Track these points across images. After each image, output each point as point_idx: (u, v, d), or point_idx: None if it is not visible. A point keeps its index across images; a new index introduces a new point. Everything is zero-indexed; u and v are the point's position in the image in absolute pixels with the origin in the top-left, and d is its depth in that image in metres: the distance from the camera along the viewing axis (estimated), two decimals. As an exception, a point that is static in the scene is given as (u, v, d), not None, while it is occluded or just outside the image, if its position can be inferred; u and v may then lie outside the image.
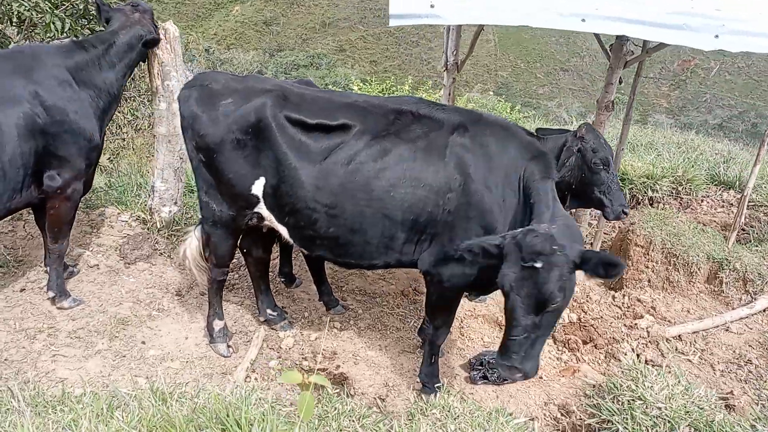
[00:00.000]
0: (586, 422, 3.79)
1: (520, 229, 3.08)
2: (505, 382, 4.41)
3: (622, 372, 4.01)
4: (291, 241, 4.09)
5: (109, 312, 4.76)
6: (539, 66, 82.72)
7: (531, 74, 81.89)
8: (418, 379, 4.32)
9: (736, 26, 3.69)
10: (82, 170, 4.44)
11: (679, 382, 3.76)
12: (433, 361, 4.22)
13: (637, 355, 4.81)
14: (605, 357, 4.86)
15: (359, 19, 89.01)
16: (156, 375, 4.21)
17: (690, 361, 4.80)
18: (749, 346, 5.02)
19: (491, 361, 4.46)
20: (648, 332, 4.99)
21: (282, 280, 5.48)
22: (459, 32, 5.43)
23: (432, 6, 3.73)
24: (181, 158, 5.53)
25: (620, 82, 5.73)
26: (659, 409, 3.44)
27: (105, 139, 4.73)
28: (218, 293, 4.55)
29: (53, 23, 5.58)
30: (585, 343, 4.91)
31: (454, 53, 5.56)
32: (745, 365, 4.75)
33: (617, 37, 5.42)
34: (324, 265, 5.19)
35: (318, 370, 4.52)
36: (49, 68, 4.22)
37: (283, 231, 4.05)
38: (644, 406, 3.52)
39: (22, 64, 4.14)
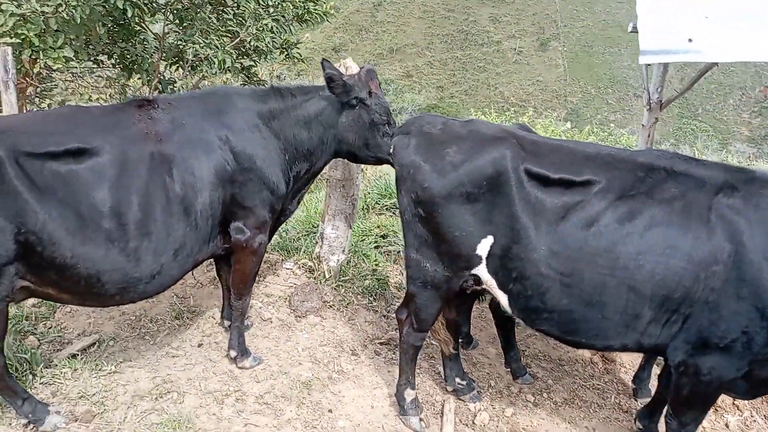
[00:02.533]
0: None
1: None
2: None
3: None
4: (509, 310, 3.64)
5: (291, 373, 4.43)
6: (611, 92, 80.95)
7: (602, 100, 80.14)
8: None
9: None
10: (267, 222, 4.13)
11: None
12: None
13: None
14: None
15: (426, 45, 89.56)
16: (354, 453, 3.85)
17: None
18: None
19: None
20: None
21: (461, 341, 5.04)
22: (666, 68, 4.93)
23: (690, 40, 3.24)
24: (353, 204, 5.21)
25: None
26: None
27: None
28: (413, 360, 4.15)
29: (223, 60, 5.42)
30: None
31: (659, 90, 5.06)
32: None
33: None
34: (515, 329, 4.73)
35: (524, 453, 4.05)
36: (240, 112, 3.94)
37: (503, 299, 3.60)
38: None
39: (213, 106, 3.88)
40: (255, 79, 6.62)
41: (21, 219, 2.96)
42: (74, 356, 4.29)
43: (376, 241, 6.17)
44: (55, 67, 4.76)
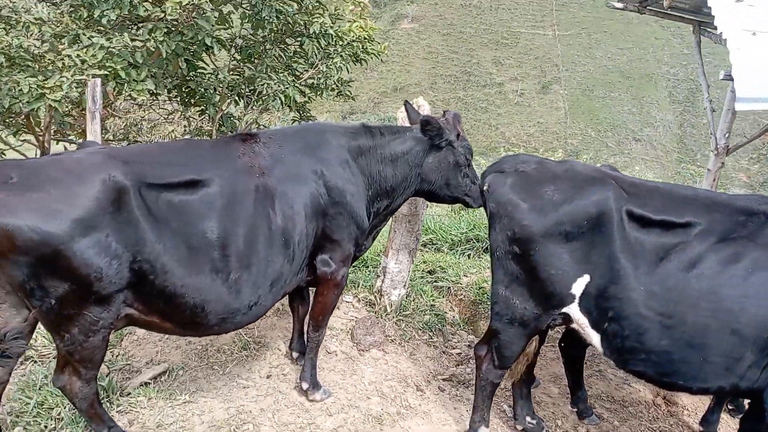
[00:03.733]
0: None
1: None
2: None
3: None
4: (601, 350, 3.65)
5: (361, 408, 4.40)
6: (610, 135, 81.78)
7: (602, 143, 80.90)
8: None
9: None
10: (350, 255, 4.18)
11: None
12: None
13: None
14: None
15: (429, 85, 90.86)
16: (431, 489, 3.81)
17: None
18: None
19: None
20: None
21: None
22: (734, 114, 5.06)
23: None
24: (416, 239, 5.26)
25: None
26: None
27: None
28: (490, 397, 4.14)
29: (293, 97, 5.55)
30: None
31: (726, 136, 5.17)
32: None
33: None
34: (583, 368, 4.73)
35: (600, 495, 4.01)
36: (333, 147, 4.03)
37: (595, 338, 3.62)
38: None
39: (309, 141, 3.97)
40: (308, 114, 6.74)
41: (138, 248, 3.00)
42: (146, 384, 4.28)
43: (422, 276, 6.19)
44: (138, 100, 4.86)
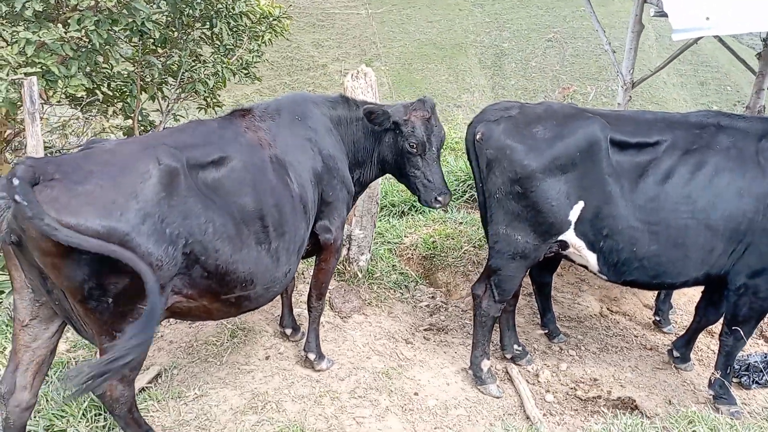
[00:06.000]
0: None
1: None
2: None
3: None
4: (597, 268, 4.10)
5: (366, 367, 4.51)
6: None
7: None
8: (710, 392, 4.39)
9: None
10: (344, 220, 4.24)
11: None
12: (728, 372, 4.30)
13: None
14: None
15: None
16: (459, 426, 4.07)
17: None
18: None
19: (755, 363, 4.67)
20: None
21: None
22: (636, 51, 5.77)
23: (707, 18, 3.95)
24: (377, 203, 5.37)
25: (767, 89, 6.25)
26: None
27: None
28: (490, 331, 4.45)
29: (228, 77, 5.34)
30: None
31: (631, 72, 5.88)
32: None
33: (765, 44, 6.00)
34: (551, 293, 5.21)
35: (593, 398, 4.53)
36: (318, 116, 4.04)
37: (591, 258, 4.06)
38: None
39: (297, 112, 3.94)
40: (216, 100, 6.45)
41: (191, 230, 2.86)
42: (144, 390, 4.00)
43: (375, 240, 6.32)
44: (78, 95, 4.33)
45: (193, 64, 5.28)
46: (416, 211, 7.12)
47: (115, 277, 2.60)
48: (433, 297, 5.70)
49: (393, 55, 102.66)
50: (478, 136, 4.04)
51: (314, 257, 4.26)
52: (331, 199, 3.98)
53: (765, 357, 4.73)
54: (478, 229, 6.31)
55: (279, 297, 4.65)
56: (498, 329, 4.83)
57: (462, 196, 7.44)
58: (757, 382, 4.59)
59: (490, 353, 4.61)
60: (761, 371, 4.62)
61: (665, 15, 4.01)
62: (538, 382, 4.69)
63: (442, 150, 4.43)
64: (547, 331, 5.23)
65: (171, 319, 4.50)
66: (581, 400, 4.51)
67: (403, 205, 7.35)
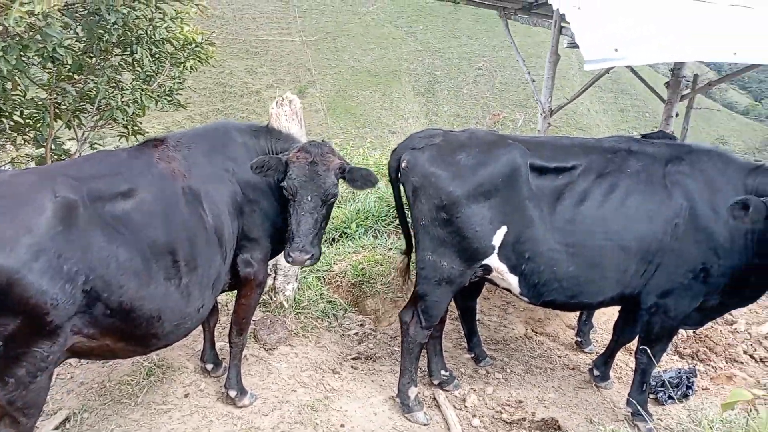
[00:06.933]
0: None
1: None
2: (687, 398, 4.81)
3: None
4: (519, 290, 4.17)
5: (291, 401, 4.40)
6: (369, 130, 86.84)
7: (362, 139, 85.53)
8: (629, 409, 4.51)
9: None
10: (269, 253, 4.13)
11: None
12: (644, 389, 4.44)
13: (751, 355, 5.53)
14: (727, 361, 5.49)
15: (183, 100, 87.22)
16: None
17: (792, 351, 5.60)
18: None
19: (669, 379, 4.84)
20: (749, 333, 5.73)
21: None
22: (553, 80, 5.99)
23: (616, 50, 4.13)
24: (302, 231, 5.29)
25: (676, 115, 6.63)
26: None
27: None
28: (418, 358, 4.43)
29: (148, 104, 5.19)
30: (710, 350, 5.51)
31: (549, 100, 6.09)
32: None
33: (673, 74, 6.37)
34: (475, 317, 5.26)
35: (518, 420, 4.57)
36: (239, 145, 3.93)
37: (513, 281, 4.12)
38: None
39: (216, 141, 3.85)
40: (137, 128, 6.26)
41: (91, 265, 2.71)
42: (52, 437, 3.75)
43: (301, 269, 6.24)
44: None
45: (111, 91, 5.10)
46: (346, 237, 7.10)
47: (4, 318, 2.43)
48: (361, 325, 5.66)
49: (328, 82, 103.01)
50: (403, 164, 4.07)
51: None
52: (252, 231, 3.88)
53: (679, 373, 4.91)
54: (406, 254, 6.33)
55: (201, 330, 4.51)
56: (425, 355, 4.83)
57: (393, 222, 7.47)
58: (671, 398, 4.75)
59: (418, 380, 4.60)
60: (675, 387, 4.79)
61: (577, 46, 4.18)
62: (465, 407, 4.70)
63: (329, 202, 3.85)
64: (473, 355, 5.27)
65: (83, 360, 4.27)
66: (507, 423, 4.54)
67: (333, 232, 7.31)
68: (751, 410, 3.04)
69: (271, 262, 5.21)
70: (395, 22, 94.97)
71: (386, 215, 7.55)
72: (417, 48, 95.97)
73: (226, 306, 5.27)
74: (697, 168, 4.01)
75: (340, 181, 3.91)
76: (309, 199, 3.71)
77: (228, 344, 4.23)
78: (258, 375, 4.65)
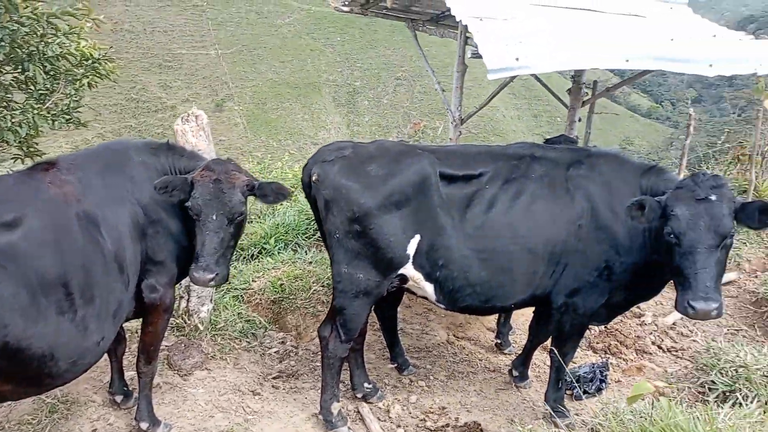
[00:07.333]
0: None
1: (681, 179, 3.73)
2: (601, 392, 4.99)
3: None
4: (435, 297, 4.20)
5: (209, 428, 4.24)
6: (291, 143, 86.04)
7: (284, 151, 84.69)
8: (547, 406, 4.62)
9: (724, 57, 4.77)
10: (175, 276, 3.97)
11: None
12: (560, 386, 4.58)
13: (659, 346, 5.82)
14: (637, 353, 5.75)
15: (94, 118, 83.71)
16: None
17: (695, 341, 5.93)
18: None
19: (584, 374, 5.01)
20: (656, 325, 6.03)
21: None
22: (462, 89, 6.10)
23: (517, 59, 4.23)
24: (216, 250, 5.12)
25: (579, 120, 6.90)
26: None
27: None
28: (339, 373, 4.37)
29: (41, 124, 4.89)
30: (621, 344, 5.75)
31: (459, 108, 6.19)
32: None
33: (574, 81, 6.64)
34: (397, 326, 5.25)
35: (442, 426, 4.60)
36: (138, 164, 3.76)
37: (429, 288, 4.15)
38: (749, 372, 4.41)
39: (112, 161, 3.67)
40: (33, 149, 5.91)
41: None
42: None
43: (218, 289, 6.05)
44: None
45: (1, 111, 4.79)
46: (266, 253, 6.96)
47: None
48: (282, 342, 5.54)
49: (246, 95, 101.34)
50: (314, 178, 4.02)
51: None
52: (156, 254, 3.71)
53: (592, 367, 5.09)
54: (326, 268, 6.27)
55: (108, 360, 4.28)
56: (348, 369, 4.78)
57: (314, 235, 7.39)
58: (587, 392, 4.91)
59: (341, 394, 4.54)
60: (590, 381, 4.96)
61: (481, 56, 4.26)
62: (389, 417, 4.68)
63: (236, 220, 3.74)
64: (396, 365, 5.26)
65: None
66: (431, 430, 4.56)
67: (252, 248, 7.15)
68: (654, 401, 3.16)
69: (183, 284, 5.05)
70: (312, 34, 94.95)
71: (307, 228, 7.46)
72: (335, 59, 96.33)
73: (136, 333, 5.02)
74: (596, 171, 4.17)
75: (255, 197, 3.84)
76: (214, 218, 3.62)
77: (136, 375, 4.03)
78: (172, 403, 4.46)
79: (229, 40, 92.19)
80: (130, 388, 4.39)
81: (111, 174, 3.57)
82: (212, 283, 3.61)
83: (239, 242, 7.30)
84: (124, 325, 4.12)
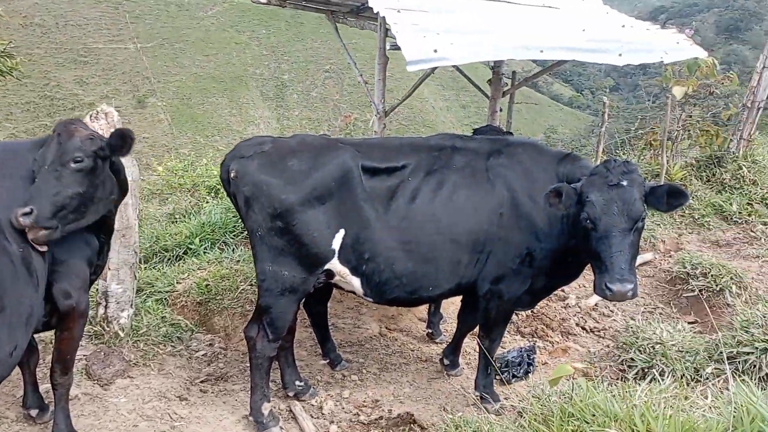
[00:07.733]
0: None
1: (595, 165, 3.86)
2: (529, 375, 5.13)
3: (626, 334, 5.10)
4: (362, 291, 4.18)
5: (134, 438, 4.07)
6: (218, 138, 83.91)
7: (212, 147, 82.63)
8: (477, 393, 4.70)
9: (632, 46, 4.99)
10: (88, 280, 3.78)
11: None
12: (489, 372, 4.66)
13: (582, 327, 6.04)
14: (562, 335, 5.95)
15: (4, 117, 79.13)
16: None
17: (616, 320, 6.19)
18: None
19: (512, 359, 5.13)
20: (579, 307, 6.25)
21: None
22: (384, 82, 6.08)
23: (435, 51, 4.24)
24: (135, 253, 4.92)
25: (500, 110, 7.03)
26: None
27: None
28: (268, 373, 4.28)
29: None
30: (547, 327, 5.93)
31: (382, 101, 6.18)
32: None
33: (494, 72, 6.76)
34: (327, 322, 5.20)
35: (375, 420, 4.61)
36: (29, 162, 3.53)
37: (356, 282, 4.13)
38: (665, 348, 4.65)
39: (8, 160, 3.44)
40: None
41: None
42: None
43: (138, 293, 5.82)
44: None
45: None
46: (192, 253, 6.76)
47: None
48: (210, 344, 5.39)
49: (170, 90, 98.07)
50: (232, 174, 3.91)
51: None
52: (65, 256, 3.52)
53: (520, 351, 5.22)
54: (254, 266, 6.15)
55: (20, 374, 4.03)
56: (278, 368, 4.71)
57: (241, 234, 7.23)
58: (515, 376, 5.04)
59: (273, 393, 4.46)
60: (518, 365, 5.09)
61: (400, 48, 4.26)
62: (322, 414, 4.64)
63: None
64: (329, 360, 5.22)
65: None
66: (364, 424, 4.55)
67: (177, 249, 6.94)
68: (573, 382, 3.27)
69: (100, 289, 4.84)
70: (237, 27, 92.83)
71: (234, 226, 7.30)
72: (262, 52, 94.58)
73: (50, 343, 4.76)
74: (515, 160, 4.26)
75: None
76: None
77: (51, 387, 3.81)
78: (93, 414, 4.25)
79: (149, 33, 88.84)
80: (46, 401, 4.15)
81: (7, 176, 3.33)
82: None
83: (163, 243, 7.11)
84: (35, 336, 3.90)
